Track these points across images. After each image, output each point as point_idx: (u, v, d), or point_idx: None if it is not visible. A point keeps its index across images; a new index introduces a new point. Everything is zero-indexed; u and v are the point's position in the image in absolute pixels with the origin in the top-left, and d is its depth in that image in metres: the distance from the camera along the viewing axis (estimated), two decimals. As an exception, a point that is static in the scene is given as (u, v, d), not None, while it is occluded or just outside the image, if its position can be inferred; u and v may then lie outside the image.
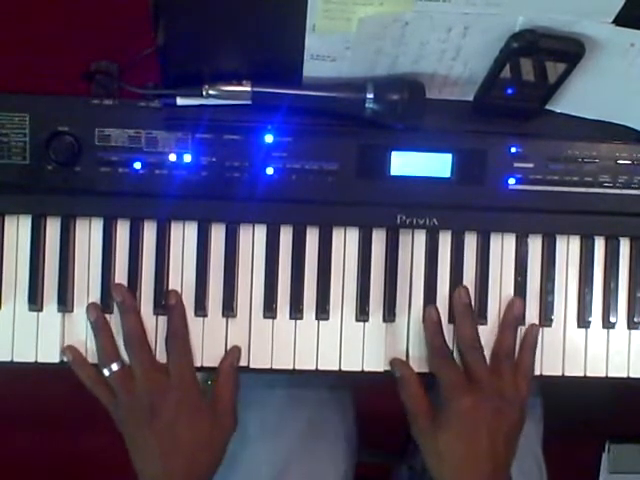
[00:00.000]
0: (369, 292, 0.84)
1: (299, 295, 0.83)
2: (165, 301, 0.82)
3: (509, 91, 0.79)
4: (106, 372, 0.79)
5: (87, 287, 0.82)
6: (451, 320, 0.84)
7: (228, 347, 0.83)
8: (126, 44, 0.80)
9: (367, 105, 0.78)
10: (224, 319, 0.83)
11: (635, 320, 0.86)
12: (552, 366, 0.85)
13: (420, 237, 0.85)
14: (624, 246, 0.87)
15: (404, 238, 0.84)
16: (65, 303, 0.82)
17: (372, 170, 0.83)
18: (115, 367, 0.79)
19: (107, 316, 0.82)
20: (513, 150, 0.83)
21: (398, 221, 0.83)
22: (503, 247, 0.86)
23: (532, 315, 0.85)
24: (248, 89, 0.77)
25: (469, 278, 0.85)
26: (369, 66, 0.78)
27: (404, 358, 0.84)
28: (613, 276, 0.86)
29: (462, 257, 0.84)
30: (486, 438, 0.78)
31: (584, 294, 0.86)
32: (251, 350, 0.83)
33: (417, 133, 0.82)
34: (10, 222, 0.82)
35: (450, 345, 0.83)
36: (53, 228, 0.82)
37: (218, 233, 0.83)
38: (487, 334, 0.84)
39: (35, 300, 0.81)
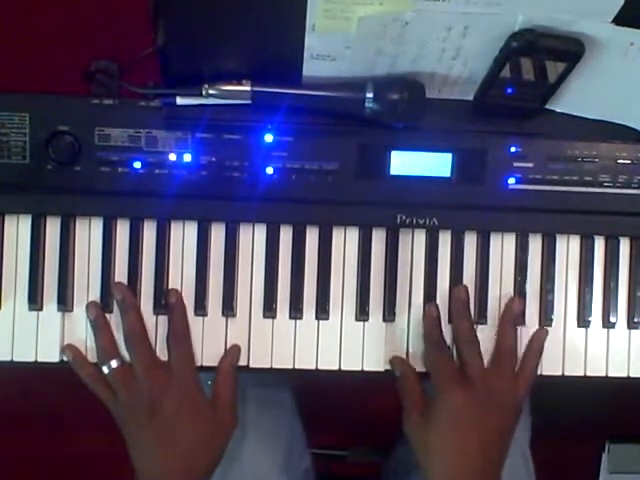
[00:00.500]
0: (369, 292, 0.84)
1: (299, 295, 0.83)
2: (165, 300, 0.82)
3: (509, 91, 0.79)
4: (105, 369, 0.79)
5: (87, 286, 0.82)
6: (450, 320, 0.84)
7: (228, 346, 0.83)
8: (126, 44, 0.80)
9: (367, 105, 0.78)
10: (224, 318, 0.83)
11: (635, 320, 0.86)
12: (552, 366, 0.85)
13: (420, 237, 0.85)
14: (624, 246, 0.87)
15: (404, 238, 0.84)
16: (65, 302, 0.82)
17: (372, 170, 0.83)
18: (114, 364, 0.79)
19: (107, 315, 0.82)
20: (513, 150, 0.83)
21: (398, 221, 0.83)
22: (503, 247, 0.86)
23: (532, 315, 0.85)
24: (248, 89, 0.77)
25: (469, 278, 0.85)
26: (369, 66, 0.78)
27: (404, 357, 0.84)
28: (613, 276, 0.86)
29: (462, 257, 0.85)
30: (476, 435, 0.78)
31: (584, 294, 0.86)
32: (251, 350, 0.83)
33: (417, 133, 0.82)
34: (10, 222, 0.82)
35: (450, 345, 0.83)
36: (53, 228, 0.82)
37: (218, 233, 0.83)
38: (487, 334, 0.84)
39: (35, 299, 0.81)
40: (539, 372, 0.85)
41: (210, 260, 0.83)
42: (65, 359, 0.81)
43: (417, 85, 0.79)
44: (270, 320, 0.83)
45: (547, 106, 0.83)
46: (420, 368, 0.83)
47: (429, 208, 0.83)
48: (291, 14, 0.72)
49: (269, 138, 0.81)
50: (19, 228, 0.82)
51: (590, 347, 0.86)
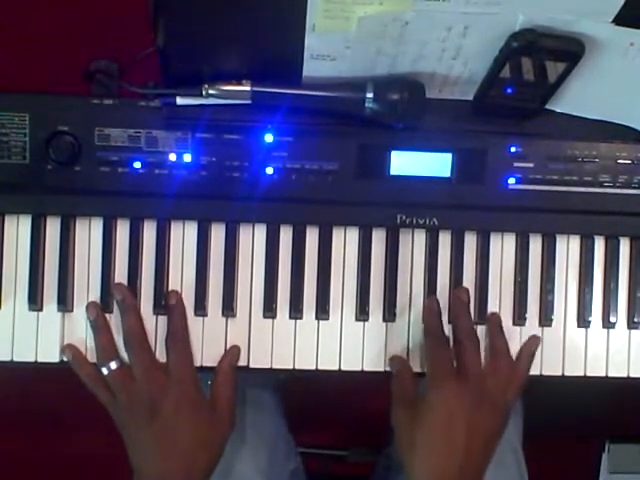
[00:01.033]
0: (369, 292, 0.84)
1: (299, 295, 0.83)
2: (166, 301, 0.82)
3: (509, 91, 0.79)
4: (105, 371, 0.79)
5: (87, 287, 0.82)
6: (450, 320, 0.84)
7: (228, 347, 0.83)
8: (126, 44, 0.80)
9: (367, 105, 0.78)
10: (224, 319, 0.83)
11: (635, 320, 0.86)
12: (552, 366, 0.85)
13: (420, 237, 0.85)
14: (624, 246, 0.87)
15: (404, 238, 0.84)
16: (65, 303, 0.82)
17: (372, 170, 0.83)
18: (114, 365, 0.79)
19: (107, 316, 0.82)
20: (513, 150, 0.83)
21: (398, 221, 0.83)
22: (503, 247, 0.86)
23: (532, 315, 0.85)
24: (248, 89, 0.77)
25: (469, 278, 0.85)
26: (369, 65, 0.78)
27: (404, 358, 0.84)
28: (613, 276, 0.86)
29: (462, 257, 0.84)
30: (463, 431, 0.77)
31: (584, 294, 0.86)
32: (251, 350, 0.83)
33: (417, 133, 0.82)
34: (10, 222, 0.82)
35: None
36: (53, 228, 0.82)
37: (218, 233, 0.83)
38: (485, 333, 0.84)
39: (35, 300, 0.81)
40: (539, 372, 0.85)
41: (210, 260, 0.83)
42: (65, 359, 0.81)
43: (417, 85, 0.79)
44: (270, 320, 0.83)
45: (547, 106, 0.83)
46: (419, 369, 0.83)
47: (429, 208, 0.83)
48: (291, 14, 0.72)
49: (269, 138, 0.81)
50: (19, 228, 0.82)
51: (590, 347, 0.86)
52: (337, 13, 0.71)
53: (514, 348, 0.84)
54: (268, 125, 0.81)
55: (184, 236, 0.83)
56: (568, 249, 0.86)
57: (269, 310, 0.83)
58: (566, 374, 0.86)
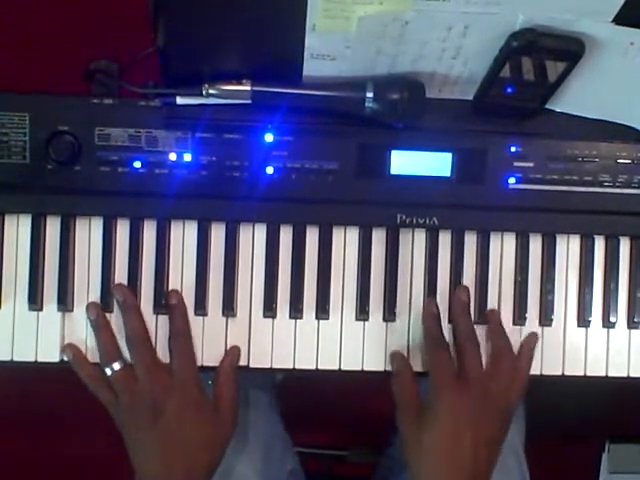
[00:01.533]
0: (369, 291, 0.84)
1: (299, 294, 0.83)
2: (166, 301, 0.82)
3: (509, 90, 0.79)
4: (108, 371, 0.79)
5: (87, 286, 0.82)
6: (450, 321, 0.84)
7: (228, 346, 0.83)
8: (126, 44, 0.80)
9: (367, 104, 0.78)
10: (224, 318, 0.83)
11: (635, 320, 0.86)
12: (552, 366, 0.85)
13: (420, 236, 0.85)
14: (624, 245, 0.87)
15: (404, 237, 0.84)
16: (65, 302, 0.82)
17: (372, 169, 0.83)
18: (117, 366, 0.79)
19: (107, 315, 0.82)
20: (513, 149, 0.83)
21: (398, 220, 0.83)
22: (503, 247, 0.86)
23: (532, 315, 0.85)
24: (248, 88, 0.77)
25: (469, 278, 0.85)
26: (369, 65, 0.78)
27: (405, 355, 0.84)
28: (613, 275, 0.86)
29: (462, 257, 0.84)
30: (470, 439, 0.77)
31: (584, 294, 0.86)
32: (251, 349, 0.83)
33: (417, 132, 0.82)
34: (10, 222, 0.82)
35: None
36: (53, 228, 0.82)
37: (218, 232, 0.83)
38: (486, 334, 0.84)
39: (35, 299, 0.81)
40: (539, 372, 0.85)
41: (210, 260, 0.83)
42: (65, 359, 0.81)
43: (417, 85, 0.79)
44: (270, 320, 0.83)
45: (547, 106, 0.83)
46: (419, 368, 0.83)
47: (429, 208, 0.83)
48: (291, 14, 0.72)
49: (269, 138, 0.81)
50: (19, 228, 0.82)
51: (590, 347, 0.86)
52: (337, 13, 0.71)
53: (514, 348, 0.83)
54: (268, 125, 0.81)
55: (184, 236, 0.83)
56: (568, 249, 0.86)
57: (269, 310, 0.83)
58: (566, 374, 0.86)
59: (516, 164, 0.83)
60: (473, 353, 0.81)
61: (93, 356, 0.81)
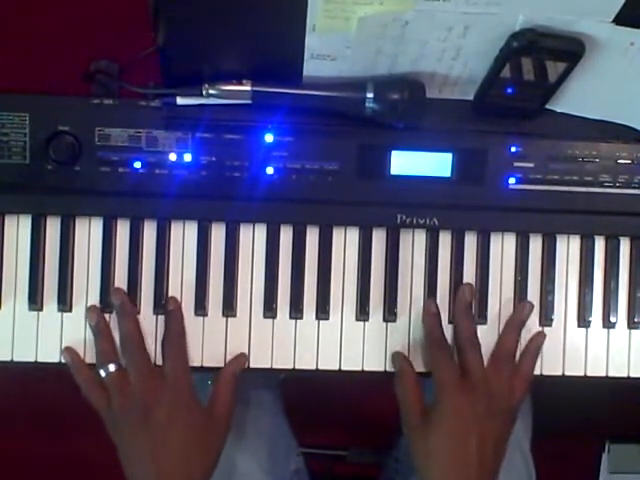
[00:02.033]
0: (369, 292, 0.84)
1: (299, 295, 0.83)
2: (165, 307, 0.82)
3: (509, 90, 0.79)
4: (102, 373, 0.79)
5: (87, 287, 0.82)
6: (451, 321, 0.84)
7: (228, 347, 0.83)
8: (126, 44, 0.80)
9: (367, 104, 0.78)
10: (224, 319, 0.83)
11: (635, 320, 0.86)
12: (552, 366, 0.85)
13: (420, 237, 0.85)
14: (624, 246, 0.87)
15: (404, 238, 0.84)
16: (65, 303, 0.82)
17: (372, 170, 0.83)
18: (112, 368, 0.79)
19: (107, 316, 0.81)
20: (513, 149, 0.83)
21: (398, 221, 0.83)
22: (503, 247, 0.86)
23: (532, 315, 0.85)
24: (248, 88, 0.77)
25: (469, 278, 0.85)
26: (369, 65, 0.78)
27: (406, 354, 0.84)
28: (613, 276, 0.86)
29: (462, 257, 0.84)
30: (476, 440, 0.77)
31: (584, 294, 0.86)
32: (251, 350, 0.83)
33: (417, 132, 0.82)
34: (10, 222, 0.82)
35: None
36: (53, 228, 0.82)
37: (218, 233, 0.83)
38: (487, 334, 0.84)
39: (35, 300, 0.81)
40: (540, 372, 0.85)
41: (210, 260, 0.83)
42: (64, 361, 0.81)
43: (417, 85, 0.79)
44: (270, 320, 0.83)
45: (547, 106, 0.82)
46: (420, 368, 0.83)
47: (429, 208, 0.83)
48: (291, 14, 0.72)
49: (269, 138, 0.81)
50: (19, 228, 0.82)
51: (590, 347, 0.86)
52: (337, 13, 0.71)
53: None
54: (268, 125, 0.81)
55: (184, 236, 0.83)
56: (568, 249, 0.86)
57: (269, 310, 0.83)
58: (566, 374, 0.86)
59: (516, 164, 0.83)
60: (475, 355, 0.81)
61: (91, 357, 0.81)
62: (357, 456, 1.33)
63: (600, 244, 0.86)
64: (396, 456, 1.08)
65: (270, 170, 0.81)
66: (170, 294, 0.82)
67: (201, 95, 0.78)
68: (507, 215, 0.84)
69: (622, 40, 0.74)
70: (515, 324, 0.84)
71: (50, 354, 0.82)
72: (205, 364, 0.82)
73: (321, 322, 0.84)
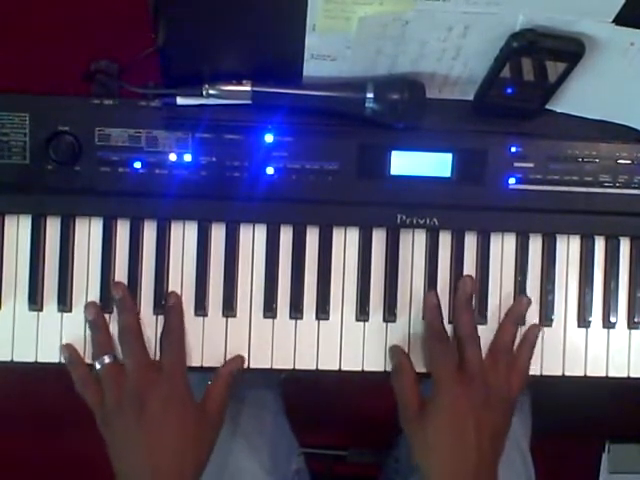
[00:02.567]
0: (369, 292, 0.84)
1: (299, 295, 0.83)
2: (165, 302, 0.82)
3: (509, 91, 0.79)
4: (97, 365, 0.79)
5: (87, 287, 0.82)
6: (451, 321, 0.84)
7: (228, 347, 0.83)
8: (126, 44, 0.80)
9: (367, 105, 0.78)
10: (224, 319, 0.83)
11: (635, 320, 0.86)
12: (552, 366, 0.86)
13: (420, 237, 0.85)
14: (624, 246, 0.87)
15: (404, 238, 0.84)
16: (65, 303, 0.82)
17: (372, 170, 0.83)
18: (107, 360, 0.79)
19: (106, 316, 0.82)
20: (513, 150, 0.83)
21: (398, 221, 0.83)
22: (503, 247, 0.86)
23: (532, 315, 0.85)
24: (248, 89, 0.77)
25: (469, 278, 0.85)
26: (369, 65, 0.78)
27: (405, 349, 0.84)
28: (613, 276, 0.86)
29: (462, 257, 0.84)
30: (473, 431, 0.78)
31: (584, 294, 0.86)
32: (251, 350, 0.83)
33: (417, 133, 0.82)
34: (10, 222, 0.82)
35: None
36: (53, 228, 0.82)
37: (218, 233, 0.83)
38: (487, 334, 0.84)
39: (35, 300, 0.81)
40: (540, 372, 0.85)
41: (210, 260, 0.83)
42: (62, 358, 0.81)
43: (417, 85, 0.79)
44: (270, 320, 0.83)
45: (547, 106, 0.83)
46: (420, 369, 0.83)
47: (429, 208, 0.83)
48: (291, 14, 0.72)
49: (269, 138, 0.81)
50: (19, 228, 0.82)
51: (590, 347, 0.86)
52: (337, 13, 0.71)
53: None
54: (268, 125, 0.81)
55: (184, 236, 0.83)
56: (568, 249, 0.86)
57: (269, 310, 0.83)
58: (566, 374, 0.86)
59: (516, 164, 0.83)
60: (474, 348, 0.81)
61: (90, 357, 0.81)
62: (357, 456, 1.33)
63: (600, 244, 0.86)
64: (396, 456, 1.08)
65: (270, 170, 0.82)
66: (170, 293, 0.83)
67: (201, 95, 0.78)
68: (507, 215, 0.84)
69: (622, 40, 0.74)
70: (513, 317, 0.84)
71: (50, 354, 0.82)
72: (205, 364, 0.83)
73: (321, 322, 0.84)
